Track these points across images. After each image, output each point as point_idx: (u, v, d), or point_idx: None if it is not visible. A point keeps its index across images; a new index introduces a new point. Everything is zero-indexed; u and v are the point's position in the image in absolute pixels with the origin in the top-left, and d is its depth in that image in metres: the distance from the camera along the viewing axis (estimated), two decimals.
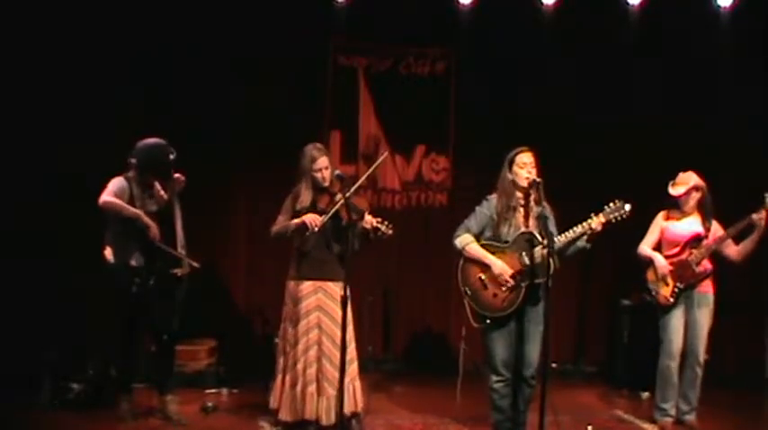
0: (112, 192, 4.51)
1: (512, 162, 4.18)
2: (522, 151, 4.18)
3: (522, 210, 4.19)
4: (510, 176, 4.18)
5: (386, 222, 4.43)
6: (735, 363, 6.44)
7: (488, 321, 4.13)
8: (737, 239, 4.85)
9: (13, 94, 5.50)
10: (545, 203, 4.14)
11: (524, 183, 4.13)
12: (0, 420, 4.67)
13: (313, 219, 4.35)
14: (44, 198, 5.59)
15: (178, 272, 4.67)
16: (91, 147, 5.56)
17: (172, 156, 4.62)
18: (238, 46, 6.24)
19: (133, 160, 4.59)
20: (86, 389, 5.03)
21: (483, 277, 4.15)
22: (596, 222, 4.02)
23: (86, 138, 5.69)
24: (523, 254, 4.08)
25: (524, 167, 4.12)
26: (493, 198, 4.25)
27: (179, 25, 5.99)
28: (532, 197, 4.17)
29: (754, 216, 4.65)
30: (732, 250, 4.88)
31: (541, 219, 4.04)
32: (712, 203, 4.93)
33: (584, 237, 4.09)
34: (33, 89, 5.59)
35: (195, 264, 4.71)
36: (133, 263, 4.58)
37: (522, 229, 4.14)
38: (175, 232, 4.70)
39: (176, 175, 4.70)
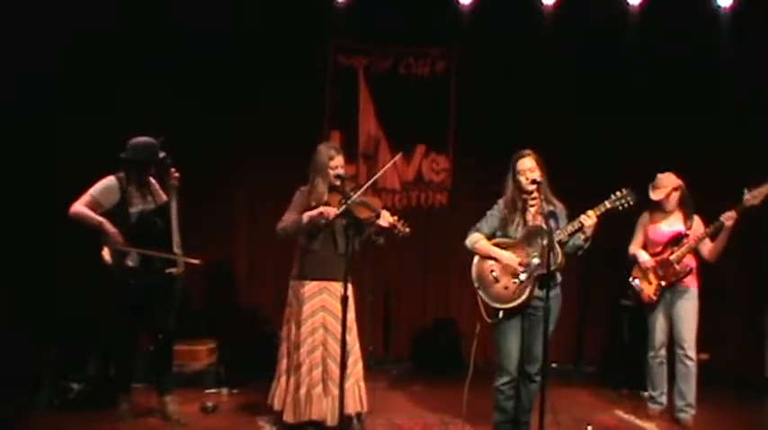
0: (92, 196, 4.53)
1: (513, 167, 4.29)
2: (521, 156, 4.27)
3: (530, 209, 4.28)
4: (512, 182, 4.30)
5: (402, 220, 4.44)
6: (735, 363, 6.44)
7: (500, 313, 4.19)
8: (714, 238, 4.93)
9: (12, 93, 5.50)
10: (555, 201, 4.27)
11: (526, 188, 4.23)
12: (0, 420, 4.66)
13: (327, 209, 4.33)
14: (43, 198, 5.58)
15: (173, 271, 4.65)
16: (91, 147, 5.56)
17: (162, 154, 4.61)
18: (238, 46, 6.24)
19: (123, 158, 4.59)
20: (86, 389, 5.02)
21: (494, 271, 4.24)
22: (586, 217, 4.07)
23: (86, 138, 5.69)
24: (528, 247, 4.18)
25: (523, 174, 4.22)
26: (502, 201, 4.36)
27: (179, 25, 5.99)
28: (538, 196, 4.24)
29: (722, 217, 4.76)
30: (705, 249, 4.99)
31: (546, 215, 4.10)
32: (693, 200, 5.05)
33: (581, 235, 4.12)
34: (33, 88, 5.58)
35: (194, 261, 4.68)
36: (129, 263, 4.58)
37: (528, 225, 4.24)
38: (171, 230, 4.69)
39: (171, 171, 4.69)
